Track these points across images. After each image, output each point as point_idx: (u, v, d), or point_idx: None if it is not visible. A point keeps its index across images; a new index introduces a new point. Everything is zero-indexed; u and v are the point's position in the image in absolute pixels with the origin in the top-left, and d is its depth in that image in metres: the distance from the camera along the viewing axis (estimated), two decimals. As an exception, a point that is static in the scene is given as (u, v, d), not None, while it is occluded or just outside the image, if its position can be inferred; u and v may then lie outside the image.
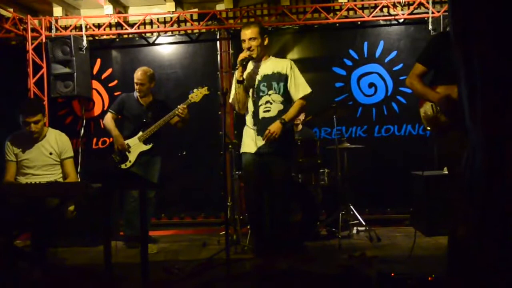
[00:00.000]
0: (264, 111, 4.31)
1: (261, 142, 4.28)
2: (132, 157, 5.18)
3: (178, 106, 5.03)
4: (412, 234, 4.75)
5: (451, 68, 2.06)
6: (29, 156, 4.41)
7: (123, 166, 5.17)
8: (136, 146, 5.19)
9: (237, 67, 4.25)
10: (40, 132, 4.38)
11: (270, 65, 4.37)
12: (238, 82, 4.25)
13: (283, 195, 4.37)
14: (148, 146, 5.20)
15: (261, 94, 4.32)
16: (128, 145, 5.18)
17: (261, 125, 4.29)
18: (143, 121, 5.21)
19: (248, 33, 4.26)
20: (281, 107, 4.32)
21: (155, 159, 5.29)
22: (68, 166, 4.50)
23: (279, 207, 4.33)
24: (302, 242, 4.88)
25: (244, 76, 4.32)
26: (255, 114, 4.35)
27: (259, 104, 4.33)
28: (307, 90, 4.36)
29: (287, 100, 4.37)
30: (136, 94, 5.30)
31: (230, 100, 4.44)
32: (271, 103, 4.31)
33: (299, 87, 4.35)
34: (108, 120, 5.33)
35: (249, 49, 4.24)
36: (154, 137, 5.20)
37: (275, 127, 4.19)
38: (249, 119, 4.42)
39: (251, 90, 4.36)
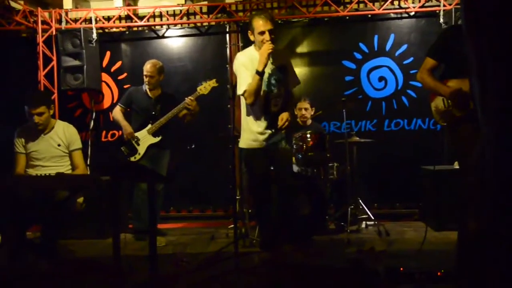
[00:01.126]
0: (275, 105, 4.24)
1: (269, 134, 4.22)
2: (141, 149, 5.19)
3: (186, 99, 5.04)
4: (421, 229, 4.74)
5: (462, 62, 2.04)
6: (37, 148, 4.43)
7: (132, 158, 5.19)
8: (145, 138, 5.20)
9: (266, 59, 4.00)
10: (44, 124, 4.40)
11: (276, 58, 4.25)
12: (260, 74, 4.04)
13: (291, 187, 4.36)
14: (157, 139, 5.21)
15: (272, 88, 4.22)
16: (137, 137, 5.20)
17: (271, 120, 4.21)
18: (152, 114, 5.22)
19: (268, 24, 4.07)
20: (283, 100, 4.28)
21: (164, 152, 5.30)
22: (77, 158, 4.52)
23: (288, 199, 4.32)
24: (311, 236, 4.87)
25: (252, 68, 4.15)
26: (266, 108, 4.22)
27: (270, 98, 4.22)
28: (299, 81, 4.46)
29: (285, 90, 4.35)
30: (145, 87, 5.31)
31: (240, 92, 4.16)
32: (280, 97, 4.25)
33: (294, 79, 4.39)
34: (117, 112, 5.37)
35: (272, 41, 4.07)
36: (163, 129, 5.21)
37: (289, 116, 4.17)
38: (258, 112, 4.23)
39: (263, 83, 4.18)
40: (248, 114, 4.30)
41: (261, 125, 4.24)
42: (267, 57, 4.01)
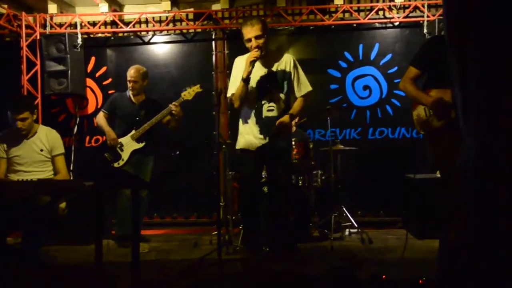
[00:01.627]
0: (268, 110, 4.22)
1: (263, 140, 4.20)
2: (125, 155, 5.16)
3: (170, 105, 5.03)
4: (404, 237, 4.76)
5: (445, 72, 2.07)
6: (19, 152, 4.39)
7: (115, 164, 5.16)
8: (128, 144, 5.17)
9: (249, 67, 4.04)
10: (27, 129, 4.36)
11: (272, 61, 4.27)
12: (244, 81, 4.09)
13: (285, 193, 4.36)
14: (141, 145, 5.18)
15: (265, 93, 4.21)
16: (120, 143, 5.17)
17: (264, 124, 4.21)
18: (136, 119, 5.19)
19: (253, 31, 4.08)
20: (283, 105, 4.25)
21: (147, 158, 5.27)
22: (59, 163, 4.48)
23: (281, 205, 4.31)
24: (294, 244, 4.87)
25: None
26: (258, 112, 4.22)
27: (263, 102, 4.22)
28: (309, 88, 4.36)
29: (289, 98, 4.32)
30: (128, 93, 5.29)
31: (229, 94, 4.25)
32: (274, 102, 4.23)
33: (302, 85, 4.33)
34: (100, 118, 5.34)
35: (258, 47, 4.06)
36: (147, 135, 5.19)
37: (286, 119, 4.16)
38: (250, 117, 4.26)
39: (254, 87, 4.21)
40: (242, 117, 4.33)
41: (253, 128, 4.25)
42: (249, 64, 4.05)
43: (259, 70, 4.22)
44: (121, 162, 5.16)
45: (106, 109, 5.35)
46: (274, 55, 4.39)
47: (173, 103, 5.04)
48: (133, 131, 5.18)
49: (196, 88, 5.12)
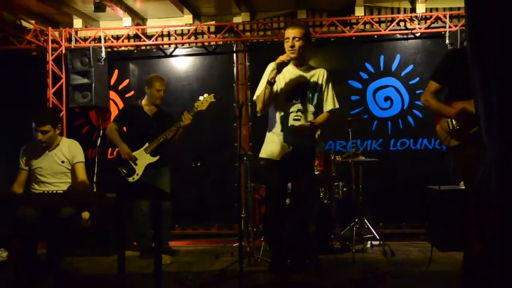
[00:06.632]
0: (294, 119, 4.15)
1: (287, 149, 4.14)
2: (139, 169, 5.09)
3: (183, 115, 4.99)
4: (427, 249, 4.71)
5: (467, 84, 2.06)
6: (41, 164, 4.45)
7: (130, 179, 5.08)
8: (143, 158, 5.11)
9: (275, 70, 3.97)
10: (48, 142, 4.41)
11: (307, 73, 4.21)
12: (269, 83, 4.01)
13: (308, 206, 4.33)
14: (155, 158, 5.11)
15: (294, 101, 4.16)
16: (134, 157, 5.09)
17: (289, 133, 4.15)
18: (149, 132, 5.13)
19: (293, 32, 4.08)
20: (311, 117, 4.18)
21: (163, 170, 5.22)
22: (79, 170, 4.49)
23: (303, 219, 4.28)
24: (316, 255, 4.85)
25: (278, 78, 4.11)
26: (284, 120, 4.17)
27: (290, 111, 4.16)
28: (336, 105, 4.27)
29: (317, 111, 4.24)
30: (140, 103, 5.26)
31: (254, 97, 4.21)
32: (302, 112, 4.16)
33: (330, 100, 4.24)
34: (112, 130, 5.26)
35: (292, 47, 4.05)
36: (161, 148, 5.12)
37: (306, 124, 4.10)
38: (276, 125, 4.21)
39: (284, 95, 4.16)
40: (268, 126, 4.30)
41: (278, 137, 4.18)
42: (276, 67, 3.97)
43: (292, 74, 4.16)
44: (135, 177, 5.08)
45: (119, 121, 5.30)
46: (309, 67, 4.30)
47: (186, 114, 4.99)
48: (147, 144, 5.11)
49: (210, 98, 5.03)
